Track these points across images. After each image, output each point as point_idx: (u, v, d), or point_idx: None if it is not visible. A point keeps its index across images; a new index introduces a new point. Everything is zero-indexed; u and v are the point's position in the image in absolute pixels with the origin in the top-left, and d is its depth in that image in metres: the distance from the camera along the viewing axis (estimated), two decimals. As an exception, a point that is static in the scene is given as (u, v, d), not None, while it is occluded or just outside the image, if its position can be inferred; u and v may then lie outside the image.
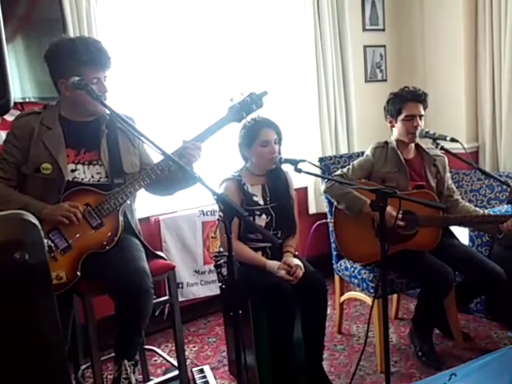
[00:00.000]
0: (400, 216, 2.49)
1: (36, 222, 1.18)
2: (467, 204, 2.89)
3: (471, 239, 3.13)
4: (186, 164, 2.03)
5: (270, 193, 2.59)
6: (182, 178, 2.14)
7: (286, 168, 2.59)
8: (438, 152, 2.82)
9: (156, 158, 2.19)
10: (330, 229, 3.03)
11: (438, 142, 2.70)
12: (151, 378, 2.60)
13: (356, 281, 2.84)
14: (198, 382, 2.63)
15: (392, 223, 2.19)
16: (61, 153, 2.08)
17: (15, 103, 2.57)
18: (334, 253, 3.08)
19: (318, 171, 3.01)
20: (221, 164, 3.45)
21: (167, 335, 3.22)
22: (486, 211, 2.90)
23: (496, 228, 2.62)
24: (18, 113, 2.27)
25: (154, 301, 2.14)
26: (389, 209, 2.03)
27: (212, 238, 3.43)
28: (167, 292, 2.42)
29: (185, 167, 1.87)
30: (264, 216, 2.54)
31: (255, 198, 2.54)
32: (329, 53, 3.90)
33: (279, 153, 2.52)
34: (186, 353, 2.84)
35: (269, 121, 2.53)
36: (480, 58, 4.01)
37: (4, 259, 1.11)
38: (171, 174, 2.15)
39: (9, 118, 2.37)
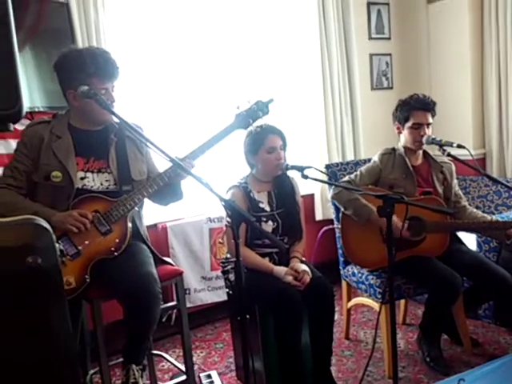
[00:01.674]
0: (406, 226, 2.49)
1: (48, 226, 1.21)
2: (475, 210, 2.88)
3: (479, 245, 3.12)
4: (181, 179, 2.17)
5: (276, 199, 2.60)
6: (175, 190, 2.24)
7: (292, 174, 2.61)
8: (445, 159, 2.82)
9: (162, 167, 2.23)
10: (337, 234, 3.03)
11: (445, 148, 2.70)
12: (159, 383, 2.62)
13: (363, 286, 2.85)
14: (205, 387, 2.64)
15: (398, 234, 2.18)
16: (70, 161, 2.11)
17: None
18: (341, 258, 3.09)
19: (325, 178, 3.02)
20: (227, 171, 3.47)
21: (175, 341, 3.24)
22: (493, 217, 2.89)
23: (504, 234, 2.61)
24: (27, 122, 2.30)
25: (162, 306, 2.15)
26: (395, 219, 2.00)
27: (219, 243, 3.45)
28: (175, 298, 2.43)
29: (193, 174, 1.89)
30: (270, 222, 2.55)
31: (261, 205, 2.56)
32: (335, 61, 3.92)
33: (284, 159, 2.54)
34: (194, 358, 2.84)
35: (274, 127, 2.55)
36: (486, 65, 4.02)
37: (17, 263, 1.14)
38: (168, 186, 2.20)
39: (19, 127, 2.40)
